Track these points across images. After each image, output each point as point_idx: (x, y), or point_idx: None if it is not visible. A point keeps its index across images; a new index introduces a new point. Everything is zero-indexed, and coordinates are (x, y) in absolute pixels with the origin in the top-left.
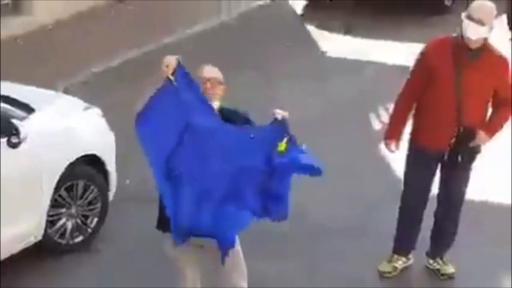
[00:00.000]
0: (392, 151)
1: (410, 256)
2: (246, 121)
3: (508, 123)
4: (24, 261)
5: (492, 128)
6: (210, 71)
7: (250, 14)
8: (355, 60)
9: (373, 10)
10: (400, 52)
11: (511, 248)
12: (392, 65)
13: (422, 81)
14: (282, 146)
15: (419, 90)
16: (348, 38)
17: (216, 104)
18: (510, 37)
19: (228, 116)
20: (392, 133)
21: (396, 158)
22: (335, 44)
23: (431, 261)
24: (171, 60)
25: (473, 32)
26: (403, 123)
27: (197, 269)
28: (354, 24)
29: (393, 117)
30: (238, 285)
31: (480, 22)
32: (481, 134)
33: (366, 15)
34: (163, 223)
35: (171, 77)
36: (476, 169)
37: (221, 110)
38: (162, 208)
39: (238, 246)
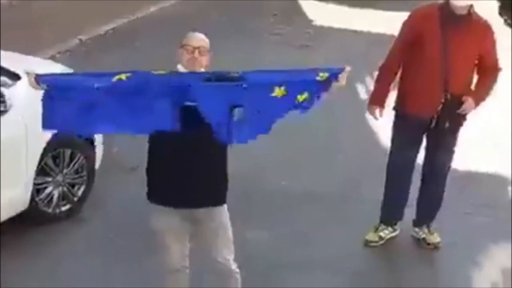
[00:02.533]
0: (376, 118)
1: (397, 226)
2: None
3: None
4: (10, 231)
5: (479, 95)
6: (199, 39)
7: None
8: (342, 29)
9: None
10: (388, 21)
11: (499, 217)
12: (379, 33)
13: (408, 47)
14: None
15: (404, 56)
16: (335, 7)
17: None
18: (498, 7)
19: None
20: (376, 98)
21: (384, 127)
22: (322, 13)
23: (416, 230)
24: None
25: (458, 0)
26: (387, 89)
27: (185, 246)
28: None
29: (377, 83)
30: (227, 260)
31: None
32: (469, 101)
33: None
34: (153, 194)
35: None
36: (461, 138)
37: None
38: (151, 178)
39: (228, 221)
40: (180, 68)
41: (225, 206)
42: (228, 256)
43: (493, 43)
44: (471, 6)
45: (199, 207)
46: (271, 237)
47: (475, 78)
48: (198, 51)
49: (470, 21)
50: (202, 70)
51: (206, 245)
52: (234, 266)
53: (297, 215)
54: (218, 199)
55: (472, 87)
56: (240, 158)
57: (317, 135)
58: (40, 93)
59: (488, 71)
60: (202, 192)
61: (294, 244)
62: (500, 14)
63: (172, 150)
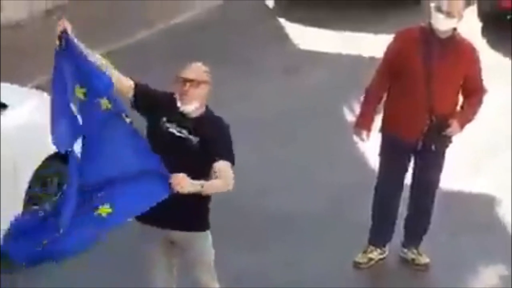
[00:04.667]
0: (363, 140)
1: (385, 247)
2: (220, 139)
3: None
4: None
5: (465, 117)
6: (191, 70)
7: (222, 8)
8: (327, 52)
9: (345, 3)
10: (372, 44)
11: (486, 237)
12: (364, 56)
13: (392, 70)
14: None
15: (389, 79)
16: (320, 31)
17: (195, 106)
18: (480, 27)
19: (208, 123)
20: (362, 122)
21: (371, 149)
22: (307, 37)
23: (405, 251)
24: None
25: (442, 24)
26: (374, 112)
27: (170, 267)
28: (326, 17)
29: (363, 106)
30: (203, 279)
31: (449, 14)
32: (454, 124)
33: (337, 7)
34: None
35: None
36: (446, 157)
37: (206, 113)
38: None
39: (210, 247)
40: (177, 98)
41: (208, 232)
42: (209, 282)
43: (478, 64)
44: (455, 28)
45: (177, 229)
46: (258, 259)
47: (461, 99)
48: (190, 84)
49: (454, 43)
50: (195, 104)
51: (188, 269)
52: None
53: (285, 237)
54: (196, 225)
55: (458, 107)
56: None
57: (304, 157)
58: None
59: (474, 93)
60: (181, 216)
61: (282, 266)
62: (483, 34)
63: None
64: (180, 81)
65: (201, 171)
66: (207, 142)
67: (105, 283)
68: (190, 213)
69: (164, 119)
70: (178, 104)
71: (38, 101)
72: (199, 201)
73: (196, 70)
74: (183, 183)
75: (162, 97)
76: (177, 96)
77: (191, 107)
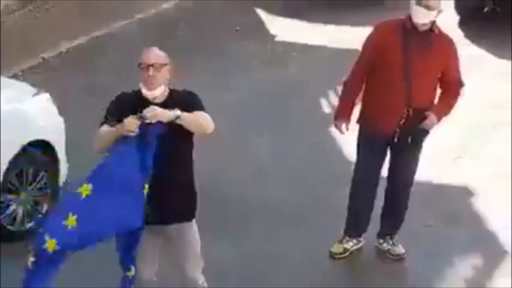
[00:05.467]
0: (342, 133)
1: (361, 238)
2: (194, 102)
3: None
4: None
5: (441, 111)
6: (152, 56)
7: None
8: (304, 44)
9: None
10: (350, 36)
11: (461, 228)
12: (341, 49)
13: (370, 62)
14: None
15: (367, 71)
16: (297, 22)
17: (161, 89)
18: (457, 20)
19: (177, 99)
20: (341, 113)
21: (348, 141)
22: (284, 28)
23: (381, 241)
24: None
25: (421, 17)
26: (352, 104)
27: (154, 261)
28: (304, 9)
29: (341, 98)
30: (194, 276)
31: (428, 7)
32: (431, 117)
33: None
34: None
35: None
36: (425, 150)
37: (171, 93)
38: None
39: (197, 236)
40: (141, 87)
41: (194, 221)
42: (196, 273)
43: (456, 58)
44: (434, 22)
45: (169, 224)
46: (236, 249)
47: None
48: (153, 68)
49: (433, 37)
50: (161, 87)
51: (176, 260)
52: (201, 281)
53: (262, 227)
54: (186, 215)
55: (436, 101)
56: (208, 171)
57: (282, 148)
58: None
59: (451, 86)
60: (172, 209)
61: (259, 256)
62: (460, 27)
63: None
64: (143, 68)
65: (184, 152)
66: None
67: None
68: (181, 204)
69: (136, 115)
70: (144, 91)
71: (13, 91)
72: (188, 191)
73: (156, 54)
74: (158, 113)
75: (121, 101)
76: (141, 84)
77: (158, 91)
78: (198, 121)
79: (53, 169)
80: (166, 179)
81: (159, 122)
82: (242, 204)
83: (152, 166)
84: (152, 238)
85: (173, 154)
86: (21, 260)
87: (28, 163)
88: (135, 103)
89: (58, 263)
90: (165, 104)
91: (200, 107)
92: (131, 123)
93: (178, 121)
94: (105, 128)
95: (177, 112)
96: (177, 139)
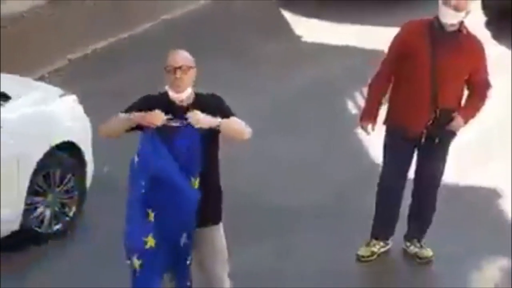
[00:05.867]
0: (368, 133)
1: (389, 241)
2: (222, 105)
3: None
4: (2, 251)
5: (468, 113)
6: (179, 59)
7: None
8: (330, 45)
9: None
10: (376, 37)
11: (489, 231)
12: (367, 49)
13: (397, 63)
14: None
15: (394, 71)
16: (323, 23)
17: (188, 92)
18: (484, 21)
19: (204, 102)
20: (367, 114)
21: (375, 142)
22: (310, 29)
23: (408, 244)
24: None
25: (449, 18)
26: (378, 104)
27: None
28: (329, 9)
29: (368, 99)
30: (219, 274)
31: (456, 8)
32: (458, 119)
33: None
34: None
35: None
36: (450, 150)
37: (196, 96)
38: None
39: (224, 240)
40: (168, 90)
41: (221, 224)
42: (223, 276)
43: (483, 59)
44: (462, 22)
45: (198, 227)
46: (263, 253)
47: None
48: (181, 71)
49: (461, 37)
50: (188, 90)
51: (204, 264)
52: (227, 284)
53: (289, 230)
54: (214, 218)
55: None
56: (232, 174)
57: (308, 150)
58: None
59: (478, 87)
60: (201, 212)
61: (286, 259)
62: (487, 28)
63: None
64: (170, 70)
65: (212, 154)
66: (215, 115)
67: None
68: (209, 207)
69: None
70: (171, 94)
71: (40, 93)
72: (216, 193)
73: (183, 56)
74: (201, 118)
75: (147, 101)
76: (168, 87)
77: (185, 94)
78: (237, 128)
79: (80, 172)
80: None
81: (191, 127)
82: (266, 206)
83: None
84: None
85: (201, 157)
86: (13, 279)
87: (55, 165)
88: (161, 105)
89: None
90: (191, 107)
91: (229, 112)
92: (158, 116)
93: (218, 128)
94: (123, 115)
95: (218, 119)
96: (206, 141)
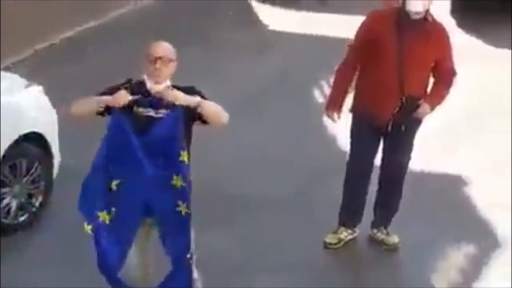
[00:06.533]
0: (334, 121)
1: (356, 228)
2: (199, 96)
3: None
4: None
5: (434, 100)
6: (160, 49)
7: None
8: (297, 33)
9: None
10: (342, 25)
11: (455, 218)
12: (334, 38)
13: (363, 51)
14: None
15: (360, 59)
16: (290, 12)
17: (166, 84)
18: (449, 9)
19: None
20: (333, 102)
21: (341, 131)
22: (277, 17)
23: (375, 231)
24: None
25: (414, 6)
26: (344, 93)
27: (148, 251)
28: None
29: (334, 87)
30: None
31: None
32: (424, 106)
33: None
34: None
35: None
36: (417, 137)
37: (173, 89)
38: None
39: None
40: (146, 80)
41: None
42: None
43: (449, 47)
44: (427, 10)
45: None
46: (230, 242)
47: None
48: (161, 61)
49: (426, 25)
50: (165, 82)
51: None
52: (195, 274)
53: (255, 219)
54: None
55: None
56: (198, 163)
57: (274, 139)
58: None
59: (444, 75)
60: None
61: (253, 248)
62: (452, 15)
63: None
64: (150, 60)
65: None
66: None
67: (75, 279)
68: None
69: (135, 107)
70: (148, 84)
71: (5, 83)
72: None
73: (165, 47)
74: (179, 95)
75: (125, 86)
76: (146, 77)
77: (162, 86)
78: (216, 111)
79: (46, 162)
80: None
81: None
82: (233, 195)
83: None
84: (144, 230)
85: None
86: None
87: (21, 156)
88: (136, 93)
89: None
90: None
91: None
92: (122, 95)
93: (198, 109)
94: (95, 97)
95: (198, 98)
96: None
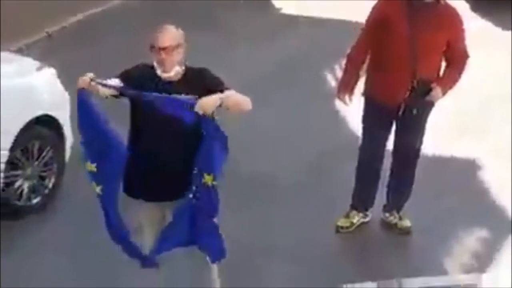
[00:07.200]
0: (346, 104)
1: (368, 212)
2: (212, 81)
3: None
4: None
5: (447, 83)
6: (164, 39)
7: None
8: (309, 17)
9: None
10: (355, 8)
11: (468, 201)
12: (346, 21)
13: (375, 34)
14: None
15: (372, 43)
16: None
17: (175, 70)
18: None
19: (192, 77)
20: (344, 86)
21: (354, 114)
22: (290, 1)
23: (387, 215)
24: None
25: None
26: (356, 76)
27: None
28: None
29: (345, 70)
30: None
31: None
32: (437, 89)
33: None
34: (127, 187)
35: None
36: (429, 122)
37: (186, 72)
38: (127, 172)
39: None
40: (156, 67)
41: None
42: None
43: (461, 30)
44: None
45: (169, 201)
46: (239, 223)
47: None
48: (165, 52)
49: (438, 8)
50: (175, 69)
51: None
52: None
53: (267, 201)
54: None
55: (441, 73)
56: None
57: (287, 122)
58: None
59: (456, 58)
60: (173, 186)
61: (264, 229)
62: None
63: (145, 145)
64: (156, 50)
65: (196, 133)
66: (201, 90)
67: (89, 261)
68: (182, 180)
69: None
70: (158, 72)
71: (18, 66)
72: (189, 167)
73: (169, 35)
74: (206, 105)
75: (137, 72)
76: (155, 65)
77: (172, 73)
78: (239, 100)
79: (58, 144)
80: (168, 157)
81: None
82: (247, 177)
83: (154, 143)
84: (154, 212)
85: (184, 130)
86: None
87: (34, 138)
88: (149, 77)
89: None
90: (179, 82)
91: (221, 85)
92: (83, 79)
93: (222, 105)
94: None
95: (221, 95)
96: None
